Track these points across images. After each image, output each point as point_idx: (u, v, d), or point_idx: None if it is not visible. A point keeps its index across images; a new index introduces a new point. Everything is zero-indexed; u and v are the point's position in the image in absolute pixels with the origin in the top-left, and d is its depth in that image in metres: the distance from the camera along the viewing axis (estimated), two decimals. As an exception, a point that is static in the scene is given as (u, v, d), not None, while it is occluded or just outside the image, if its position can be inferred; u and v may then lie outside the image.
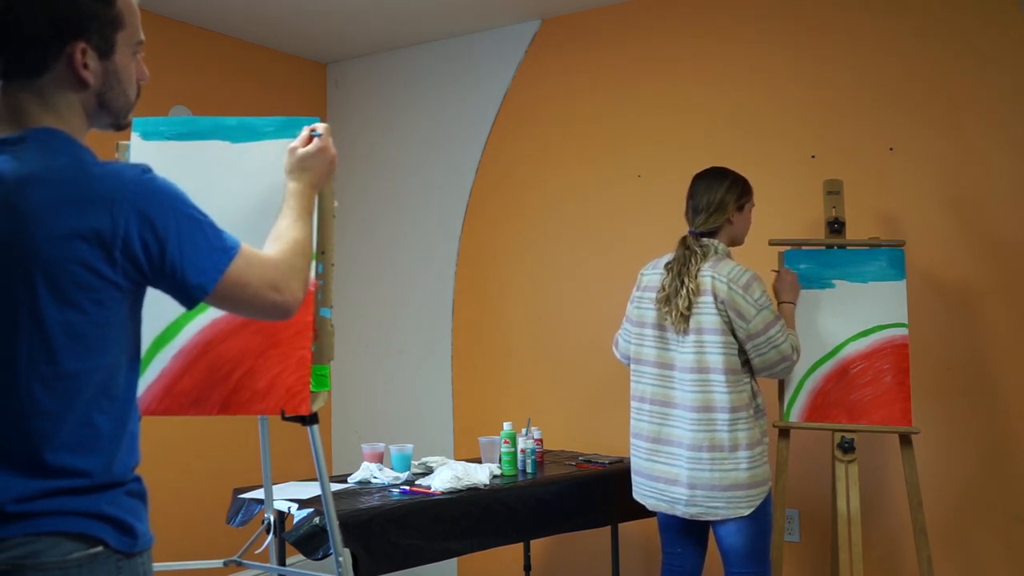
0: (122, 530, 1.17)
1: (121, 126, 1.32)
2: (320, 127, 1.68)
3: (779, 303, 2.71)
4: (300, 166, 1.61)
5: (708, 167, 2.66)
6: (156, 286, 1.22)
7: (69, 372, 1.14)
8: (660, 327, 2.57)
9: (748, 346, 2.47)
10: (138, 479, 1.24)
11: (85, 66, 1.22)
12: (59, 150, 1.19)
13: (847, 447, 2.66)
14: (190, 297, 1.23)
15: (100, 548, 1.14)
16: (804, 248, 2.86)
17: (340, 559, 1.93)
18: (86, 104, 1.25)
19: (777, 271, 2.80)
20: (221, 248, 1.24)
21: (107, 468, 1.17)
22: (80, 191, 1.15)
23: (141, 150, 1.91)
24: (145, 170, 1.20)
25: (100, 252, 1.14)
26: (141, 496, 1.23)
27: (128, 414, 1.22)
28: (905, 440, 2.67)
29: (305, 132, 1.67)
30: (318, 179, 1.62)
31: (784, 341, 2.47)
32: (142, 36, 1.30)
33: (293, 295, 1.33)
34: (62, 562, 1.11)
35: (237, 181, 1.90)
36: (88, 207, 1.14)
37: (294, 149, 1.63)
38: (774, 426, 2.73)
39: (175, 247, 1.18)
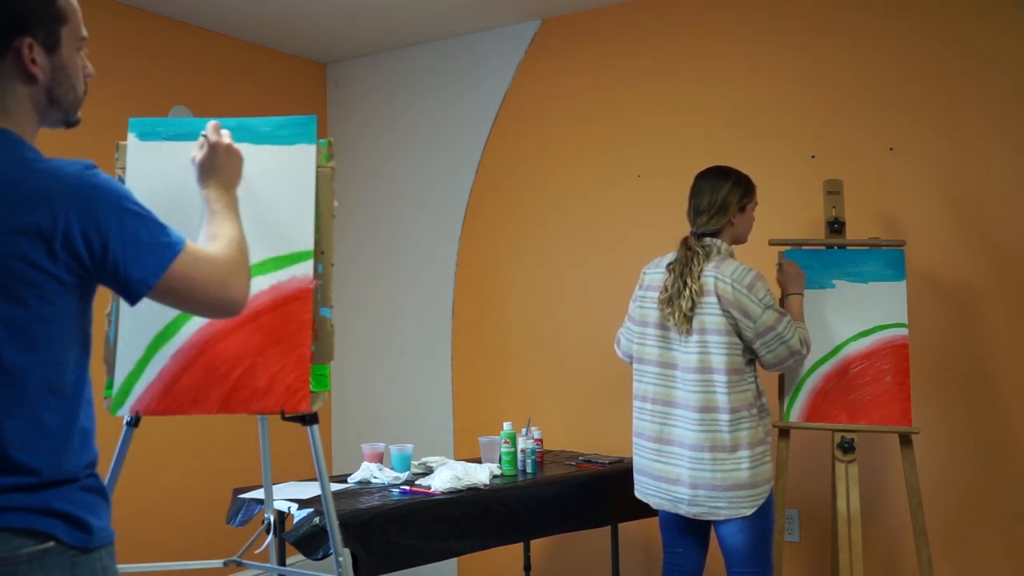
0: (75, 525, 1.17)
1: (71, 123, 1.32)
2: (208, 127, 1.66)
3: (787, 295, 2.71)
4: (202, 173, 1.60)
5: (711, 166, 2.65)
6: (100, 282, 1.23)
7: (12, 368, 1.15)
8: (663, 327, 2.56)
9: (757, 344, 2.46)
10: (94, 475, 1.24)
11: (33, 61, 1.22)
12: (1, 148, 1.19)
13: (847, 447, 2.66)
14: (132, 292, 1.23)
15: (51, 544, 1.14)
16: (804, 248, 2.86)
17: (340, 559, 1.93)
18: (36, 100, 1.25)
19: (779, 264, 2.79)
20: (165, 244, 1.24)
21: (57, 465, 1.17)
22: (21, 188, 1.16)
23: (139, 150, 1.91)
24: (88, 166, 1.20)
25: (41, 248, 1.15)
26: (98, 492, 1.23)
27: (77, 410, 1.22)
28: (905, 440, 2.67)
29: (200, 139, 1.65)
30: (228, 177, 1.61)
31: (792, 336, 2.47)
32: (84, 32, 1.31)
33: (241, 291, 1.34)
34: (11, 557, 1.11)
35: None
36: (29, 204, 1.15)
37: (193, 159, 1.63)
38: (774, 426, 2.73)
39: (117, 243, 1.19)
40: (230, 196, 1.57)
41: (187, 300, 1.28)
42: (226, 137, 1.64)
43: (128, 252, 1.20)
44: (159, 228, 1.24)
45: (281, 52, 4.31)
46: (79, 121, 1.33)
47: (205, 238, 1.43)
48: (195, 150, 1.63)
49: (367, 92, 4.41)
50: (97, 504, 1.22)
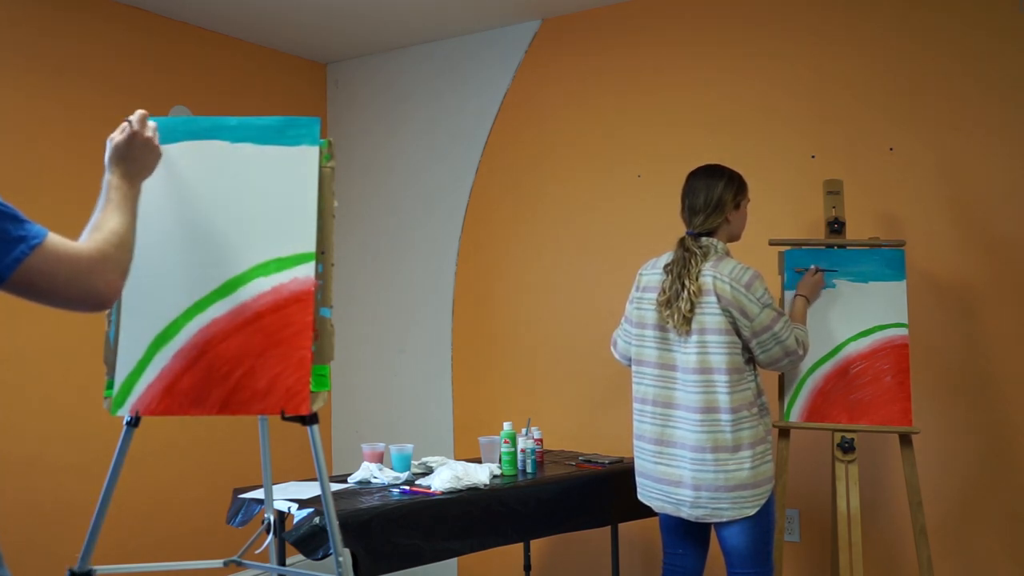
0: None
1: None
2: (134, 115, 1.64)
3: (795, 295, 2.75)
4: (114, 157, 1.59)
5: (701, 165, 2.65)
6: None
7: None
8: (661, 328, 2.56)
9: (753, 343, 2.46)
10: None
11: None
12: None
13: (847, 447, 2.66)
14: None
15: None
16: (804, 248, 2.86)
17: (340, 559, 1.93)
18: None
19: (805, 269, 2.81)
20: (19, 238, 1.22)
21: None
22: None
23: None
24: None
25: None
26: None
27: None
28: (905, 440, 2.67)
29: (123, 123, 1.63)
30: (137, 168, 1.60)
31: (788, 336, 2.48)
32: None
33: (108, 286, 1.32)
34: None
35: (237, 181, 1.90)
36: None
37: (110, 139, 1.61)
38: (774, 426, 2.73)
39: None
40: (131, 188, 1.56)
41: (46, 295, 1.27)
42: (149, 131, 1.64)
43: None
44: (15, 223, 1.23)
45: (281, 52, 4.31)
46: None
47: (88, 227, 1.42)
48: (115, 133, 1.61)
49: (367, 92, 4.41)
50: None
